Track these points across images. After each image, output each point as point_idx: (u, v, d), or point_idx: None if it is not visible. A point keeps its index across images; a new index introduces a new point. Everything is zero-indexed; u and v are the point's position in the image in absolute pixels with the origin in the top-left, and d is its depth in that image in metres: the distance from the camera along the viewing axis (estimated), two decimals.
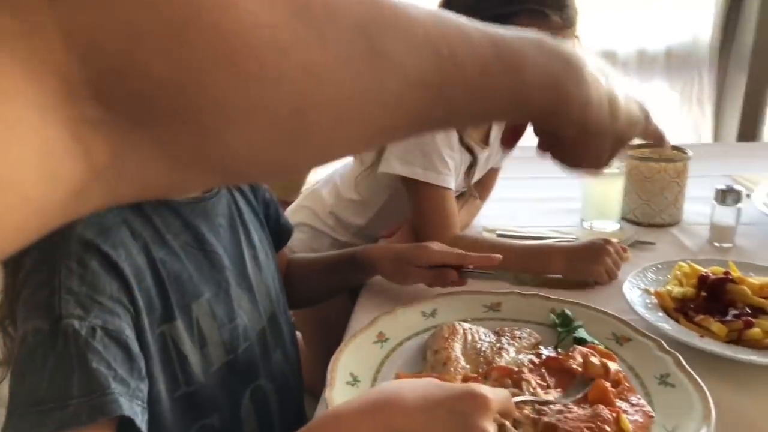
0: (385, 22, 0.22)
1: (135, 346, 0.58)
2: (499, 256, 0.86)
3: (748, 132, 2.61)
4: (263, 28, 0.19)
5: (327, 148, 0.23)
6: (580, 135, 0.37)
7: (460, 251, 0.89)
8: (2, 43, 0.15)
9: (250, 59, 0.19)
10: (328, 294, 1.06)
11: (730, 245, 1.09)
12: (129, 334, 0.58)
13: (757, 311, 0.76)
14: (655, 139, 0.51)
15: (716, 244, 1.09)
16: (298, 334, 1.24)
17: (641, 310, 0.81)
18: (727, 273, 0.82)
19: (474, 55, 0.25)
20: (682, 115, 2.76)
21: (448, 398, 0.50)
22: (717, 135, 2.75)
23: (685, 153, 1.19)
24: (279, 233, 0.94)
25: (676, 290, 0.83)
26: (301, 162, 0.23)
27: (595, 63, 0.36)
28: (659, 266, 0.93)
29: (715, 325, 0.74)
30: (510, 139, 0.46)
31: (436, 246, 0.90)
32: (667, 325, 0.77)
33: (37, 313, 0.55)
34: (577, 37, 0.98)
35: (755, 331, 0.73)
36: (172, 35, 0.17)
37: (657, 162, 1.16)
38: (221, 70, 0.18)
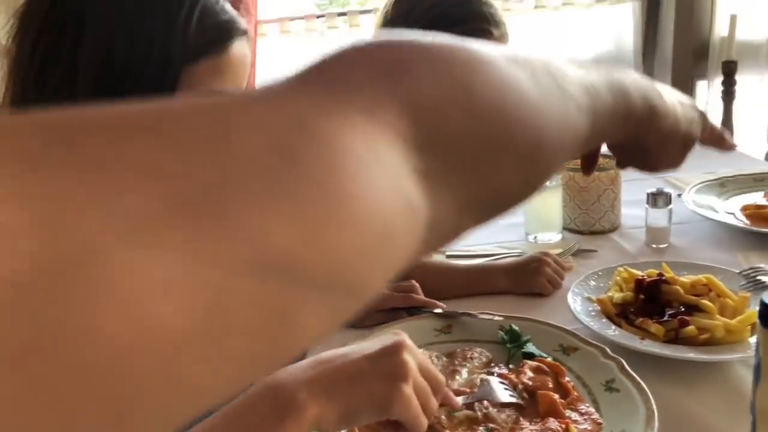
0: (557, 67, 0.30)
1: None
2: (442, 305, 0.93)
3: None
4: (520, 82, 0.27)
5: (545, 175, 0.30)
6: (659, 141, 0.44)
7: (407, 294, 0.95)
8: (362, 115, 0.20)
9: (513, 107, 0.26)
10: None
11: (665, 245, 1.14)
12: None
13: (692, 309, 0.80)
14: (716, 139, 0.55)
15: (653, 246, 1.14)
16: None
17: (585, 319, 0.83)
18: (660, 274, 0.86)
19: (603, 87, 0.34)
20: None
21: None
22: None
23: None
24: None
25: (617, 296, 0.86)
26: (532, 191, 0.29)
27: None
28: (600, 273, 0.96)
29: (653, 327, 0.78)
30: (589, 167, 0.57)
31: (385, 290, 0.93)
32: (610, 331, 0.80)
33: None
34: None
35: (690, 329, 0.76)
36: (463, 95, 0.24)
37: None
38: (501, 117, 0.25)
